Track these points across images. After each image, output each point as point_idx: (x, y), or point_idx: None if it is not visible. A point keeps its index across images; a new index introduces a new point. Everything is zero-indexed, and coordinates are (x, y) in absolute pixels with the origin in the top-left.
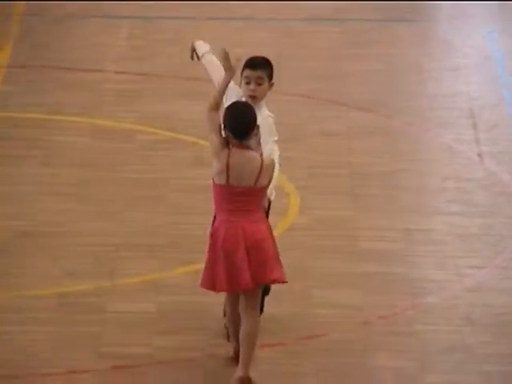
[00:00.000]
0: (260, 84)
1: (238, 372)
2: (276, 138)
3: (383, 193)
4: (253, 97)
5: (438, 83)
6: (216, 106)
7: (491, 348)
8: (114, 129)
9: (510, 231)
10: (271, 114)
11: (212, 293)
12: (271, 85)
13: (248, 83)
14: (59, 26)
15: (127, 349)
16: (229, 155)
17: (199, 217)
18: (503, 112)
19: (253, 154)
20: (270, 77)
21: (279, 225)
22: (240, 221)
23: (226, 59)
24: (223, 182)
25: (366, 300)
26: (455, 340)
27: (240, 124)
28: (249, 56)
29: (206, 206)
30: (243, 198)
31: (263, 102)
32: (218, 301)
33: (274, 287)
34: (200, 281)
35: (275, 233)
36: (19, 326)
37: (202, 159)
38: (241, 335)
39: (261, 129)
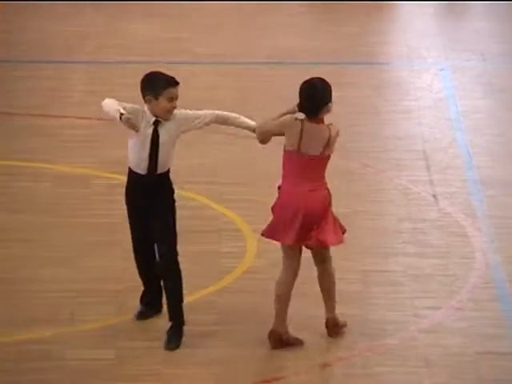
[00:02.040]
0: (176, 99)
1: (327, 314)
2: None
3: None
4: (173, 112)
5: (393, 125)
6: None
7: None
8: (73, 174)
9: (465, 271)
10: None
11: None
12: None
13: (171, 100)
14: (17, 71)
15: None
16: (302, 125)
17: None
18: (455, 153)
19: (323, 126)
20: None
21: (236, 268)
22: (301, 187)
23: None
24: (295, 148)
25: (324, 342)
26: (412, 382)
27: (309, 103)
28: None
29: None
30: (309, 165)
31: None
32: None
33: (229, 331)
34: (262, 231)
35: (233, 276)
36: None
37: None
38: (322, 286)
39: (188, 121)
